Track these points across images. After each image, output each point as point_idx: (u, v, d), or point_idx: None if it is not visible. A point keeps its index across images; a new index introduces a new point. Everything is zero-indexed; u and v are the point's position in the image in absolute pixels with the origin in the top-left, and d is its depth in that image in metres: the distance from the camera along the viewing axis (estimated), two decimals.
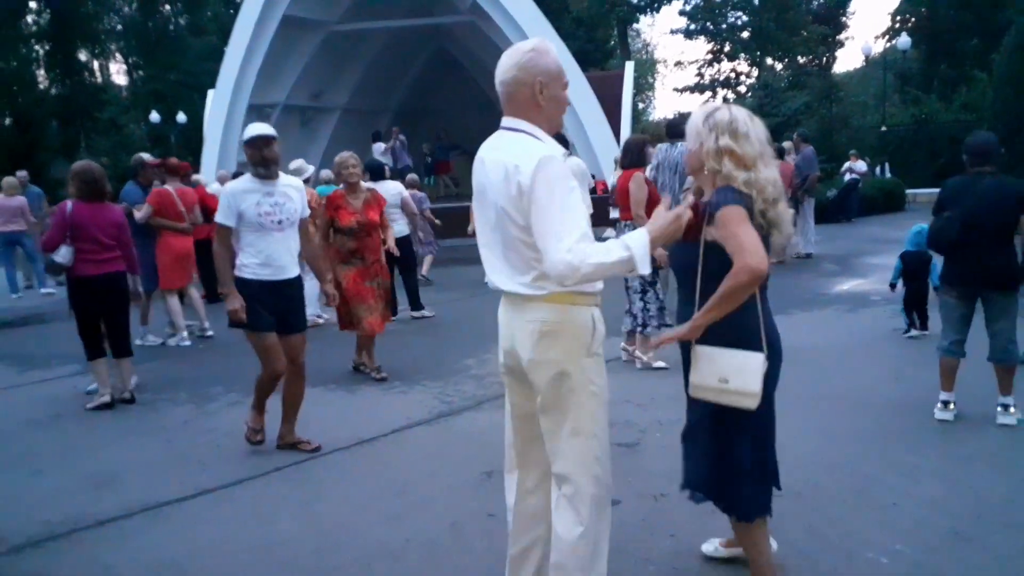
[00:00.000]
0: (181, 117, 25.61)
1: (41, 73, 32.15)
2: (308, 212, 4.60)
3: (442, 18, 17.98)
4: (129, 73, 34.85)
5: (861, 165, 17.09)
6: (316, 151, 18.33)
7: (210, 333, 7.86)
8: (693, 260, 2.58)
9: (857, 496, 3.63)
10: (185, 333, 7.66)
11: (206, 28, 32.10)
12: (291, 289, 4.42)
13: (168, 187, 7.47)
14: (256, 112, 16.66)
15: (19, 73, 29.90)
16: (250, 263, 4.30)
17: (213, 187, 9.82)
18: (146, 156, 8.08)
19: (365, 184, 6.22)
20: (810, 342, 6.45)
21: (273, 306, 4.31)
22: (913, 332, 6.68)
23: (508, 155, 2.32)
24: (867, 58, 30.47)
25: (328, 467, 4.36)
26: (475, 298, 9.12)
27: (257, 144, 4.31)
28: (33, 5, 31.23)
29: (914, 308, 6.71)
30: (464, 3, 16.06)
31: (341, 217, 5.83)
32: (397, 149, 16.41)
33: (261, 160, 4.32)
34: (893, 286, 6.82)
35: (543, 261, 2.23)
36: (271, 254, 4.30)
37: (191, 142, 16.19)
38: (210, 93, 16.49)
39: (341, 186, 6.10)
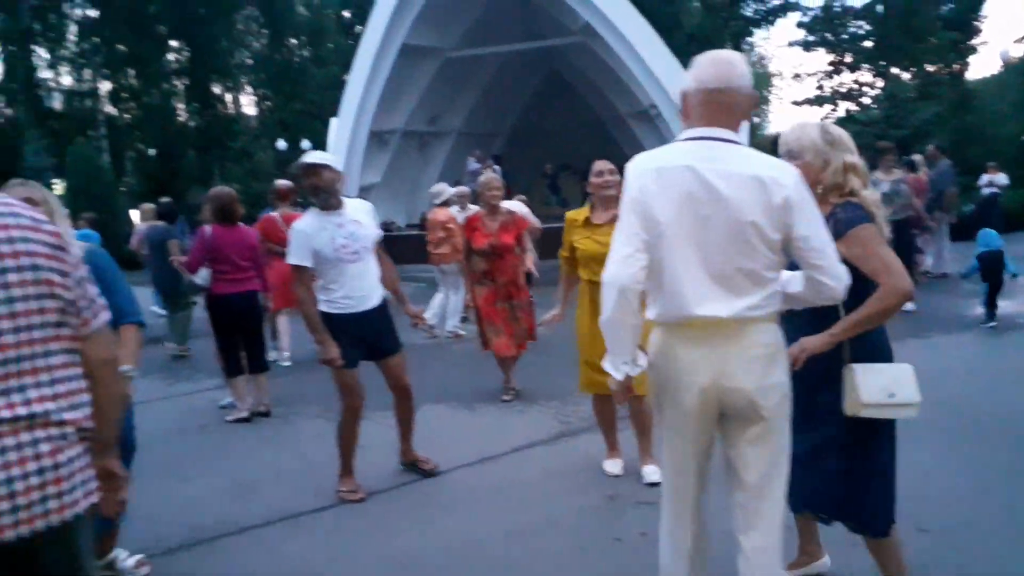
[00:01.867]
0: (305, 144, 26.97)
1: (180, 106, 34.69)
2: (381, 233, 4.40)
3: (554, 40, 18.15)
4: (258, 104, 37.06)
5: (1002, 178, 15.94)
6: (431, 174, 18.84)
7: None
8: None
9: (1015, 533, 3.38)
10: (287, 353, 7.69)
11: (327, 59, 33.72)
12: (378, 315, 4.24)
13: (275, 213, 7.47)
14: (377, 138, 17.30)
15: (162, 108, 32.42)
16: (333, 297, 4.13)
17: None
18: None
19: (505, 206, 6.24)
20: (953, 367, 6.08)
21: (361, 337, 4.16)
22: (992, 323, 7.48)
23: (757, 167, 2.18)
24: (1005, 64, 28.37)
25: (452, 483, 4.45)
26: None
27: (306, 174, 4.08)
28: (174, 44, 33.78)
29: (993, 299, 7.51)
30: (576, 24, 16.12)
31: (475, 239, 5.98)
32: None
33: (313, 190, 4.07)
34: (965, 277, 8.04)
35: (827, 274, 2.19)
36: (353, 286, 4.12)
37: None
38: (332, 121, 17.27)
39: (480, 207, 6.20)
